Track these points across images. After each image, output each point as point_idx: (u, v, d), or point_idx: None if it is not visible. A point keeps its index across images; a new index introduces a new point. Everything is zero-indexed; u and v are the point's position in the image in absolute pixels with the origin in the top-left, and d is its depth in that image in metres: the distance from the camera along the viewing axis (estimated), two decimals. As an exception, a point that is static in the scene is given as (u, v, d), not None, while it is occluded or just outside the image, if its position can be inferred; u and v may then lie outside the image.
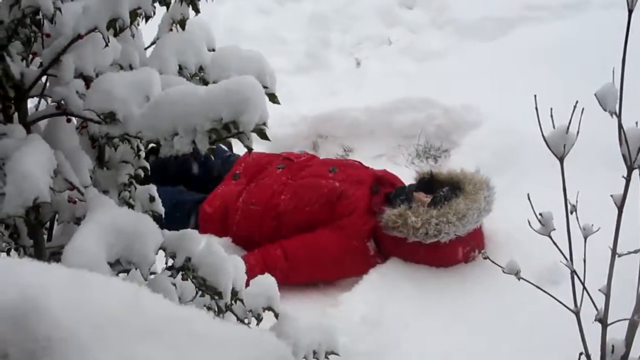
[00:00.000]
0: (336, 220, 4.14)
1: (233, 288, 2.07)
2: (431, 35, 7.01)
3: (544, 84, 4.80)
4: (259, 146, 4.09)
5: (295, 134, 5.63)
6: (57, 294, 0.96)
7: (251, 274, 2.30)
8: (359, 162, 4.68)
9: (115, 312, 0.98)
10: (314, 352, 2.20)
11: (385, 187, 4.36)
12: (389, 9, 7.50)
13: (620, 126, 1.85)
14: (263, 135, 1.75)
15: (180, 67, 2.12)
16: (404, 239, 3.97)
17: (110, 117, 1.78)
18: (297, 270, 4.02)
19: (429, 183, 4.22)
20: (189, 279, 2.06)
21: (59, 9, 1.77)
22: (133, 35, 2.09)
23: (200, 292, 2.10)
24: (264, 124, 1.74)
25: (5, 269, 1.04)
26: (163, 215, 2.26)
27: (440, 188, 4.11)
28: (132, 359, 0.94)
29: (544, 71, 5.55)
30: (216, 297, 2.02)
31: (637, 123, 1.88)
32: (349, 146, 5.66)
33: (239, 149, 1.76)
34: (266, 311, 2.22)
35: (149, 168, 2.23)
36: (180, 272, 2.04)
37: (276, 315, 2.18)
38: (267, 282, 2.25)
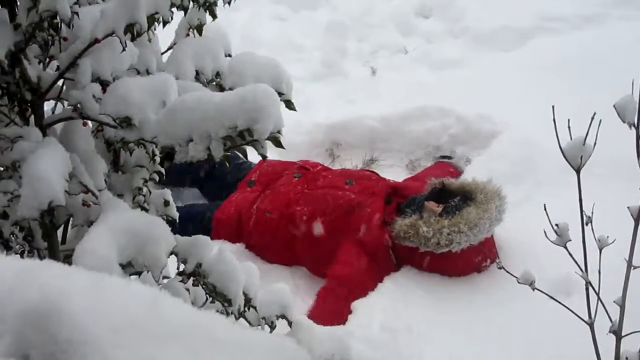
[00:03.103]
0: (351, 231, 4.13)
1: (246, 295, 2.07)
2: (447, 44, 7.01)
3: (561, 94, 4.77)
4: (274, 153, 4.10)
5: (310, 142, 5.61)
6: (78, 297, 0.96)
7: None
8: (376, 174, 4.68)
9: (135, 316, 0.98)
10: (327, 362, 2.19)
11: (399, 198, 4.35)
12: (406, 18, 7.51)
13: (638, 138, 1.83)
14: (278, 143, 1.75)
15: (198, 73, 2.12)
16: (416, 248, 3.97)
17: (126, 122, 1.79)
18: (359, 290, 3.98)
19: (440, 192, 4.21)
20: (199, 285, 2.06)
21: (77, 13, 1.78)
22: (150, 40, 2.09)
23: (210, 299, 2.10)
24: (279, 132, 1.74)
25: (27, 271, 1.04)
26: (177, 220, 2.27)
27: (451, 198, 4.10)
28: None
29: (561, 82, 5.54)
30: (226, 304, 2.02)
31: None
32: (371, 155, 5.64)
33: (254, 157, 1.78)
34: (279, 319, 2.21)
35: (164, 173, 2.24)
36: (191, 278, 2.05)
37: (290, 324, 2.17)
38: (280, 290, 2.24)
